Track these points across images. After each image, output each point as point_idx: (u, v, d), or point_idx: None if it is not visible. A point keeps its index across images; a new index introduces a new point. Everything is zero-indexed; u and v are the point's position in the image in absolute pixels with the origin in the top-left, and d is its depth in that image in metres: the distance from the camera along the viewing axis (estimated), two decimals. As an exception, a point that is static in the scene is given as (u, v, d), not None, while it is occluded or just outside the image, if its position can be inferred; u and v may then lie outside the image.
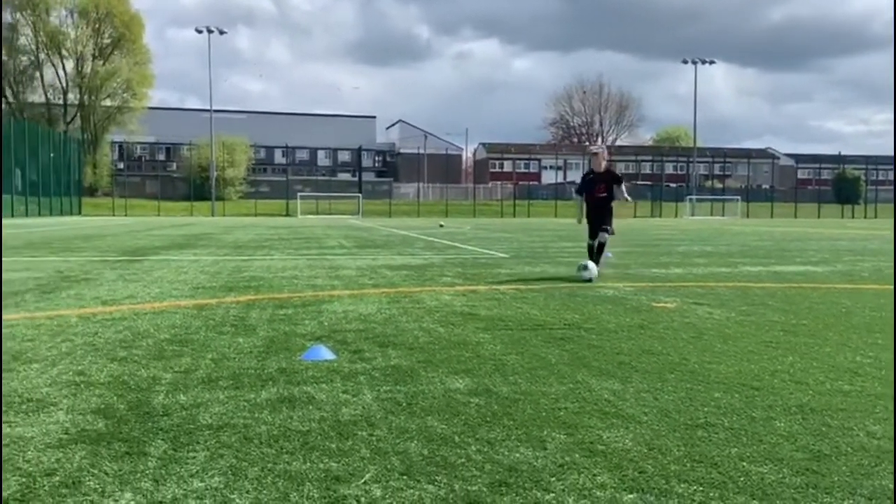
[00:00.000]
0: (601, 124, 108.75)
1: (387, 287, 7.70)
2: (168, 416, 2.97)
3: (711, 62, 71.23)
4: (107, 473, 2.34)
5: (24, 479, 2.27)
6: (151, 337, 4.72)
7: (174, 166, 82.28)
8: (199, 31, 60.71)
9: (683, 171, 79.17)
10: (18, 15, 63.82)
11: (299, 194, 63.83)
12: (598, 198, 8.89)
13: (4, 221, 35.29)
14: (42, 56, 65.59)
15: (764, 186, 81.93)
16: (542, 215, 61.73)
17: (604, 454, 2.58)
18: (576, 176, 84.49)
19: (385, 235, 21.11)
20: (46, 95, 66.60)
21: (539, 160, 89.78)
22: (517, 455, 2.56)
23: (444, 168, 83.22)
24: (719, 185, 78.21)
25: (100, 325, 5.14)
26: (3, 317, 5.43)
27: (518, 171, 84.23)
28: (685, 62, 69.57)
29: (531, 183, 78.77)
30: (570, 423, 2.94)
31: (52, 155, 51.76)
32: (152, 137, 79.72)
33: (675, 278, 8.86)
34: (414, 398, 3.28)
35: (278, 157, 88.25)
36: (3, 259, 11.04)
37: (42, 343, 4.48)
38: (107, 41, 66.92)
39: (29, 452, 2.52)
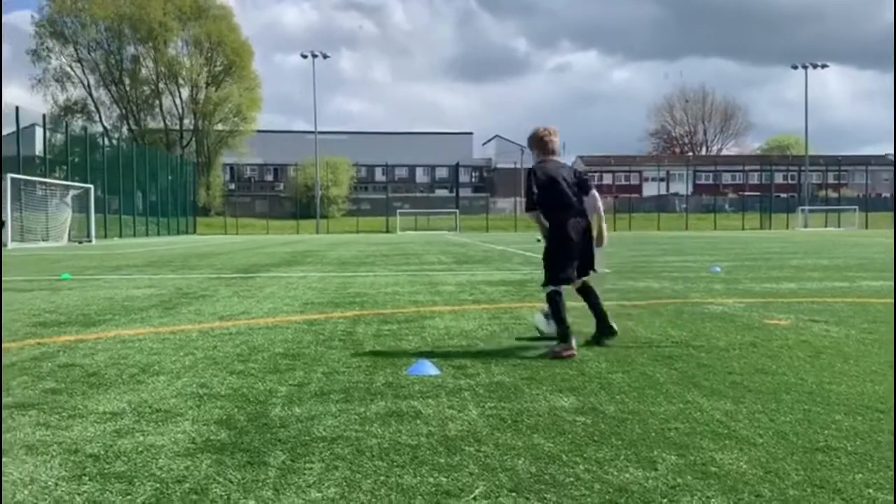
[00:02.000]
0: (705, 133, 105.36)
1: (487, 303, 7.75)
2: (285, 427, 3.11)
3: (824, 66, 67.74)
4: (231, 482, 2.48)
5: (157, 485, 2.44)
6: (266, 351, 4.95)
7: (281, 186, 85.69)
8: (304, 56, 63.25)
9: (794, 181, 75.37)
10: (141, 48, 68.43)
11: (398, 211, 65.08)
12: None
13: (128, 241, 37.75)
14: (161, 85, 70.03)
15: (884, 195, 76.89)
16: (643, 228, 60.31)
17: (717, 476, 2.51)
18: (679, 187, 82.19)
19: (483, 251, 21.20)
20: (165, 122, 71.03)
21: (640, 172, 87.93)
22: (627, 475, 2.53)
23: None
24: (834, 195, 73.99)
25: (218, 340, 5.43)
26: (133, 331, 5.83)
27: (618, 183, 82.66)
28: (795, 67, 66.53)
29: (632, 196, 77.11)
30: (680, 443, 2.88)
31: (169, 177, 55.07)
32: (261, 159, 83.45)
33: (787, 293, 8.47)
34: (519, 415, 3.29)
35: (378, 175, 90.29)
36: (130, 276, 11.84)
37: (167, 356, 4.78)
38: (219, 69, 70.75)
39: (161, 460, 2.70)
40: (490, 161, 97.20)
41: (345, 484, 2.45)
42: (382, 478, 2.51)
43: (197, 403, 3.53)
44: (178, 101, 71.33)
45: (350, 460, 2.69)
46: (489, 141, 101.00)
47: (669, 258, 16.42)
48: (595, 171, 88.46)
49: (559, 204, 4.90)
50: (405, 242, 30.95)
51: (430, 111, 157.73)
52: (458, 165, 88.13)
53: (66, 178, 38.55)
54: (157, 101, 70.62)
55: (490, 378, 4.05)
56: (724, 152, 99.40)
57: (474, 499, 2.32)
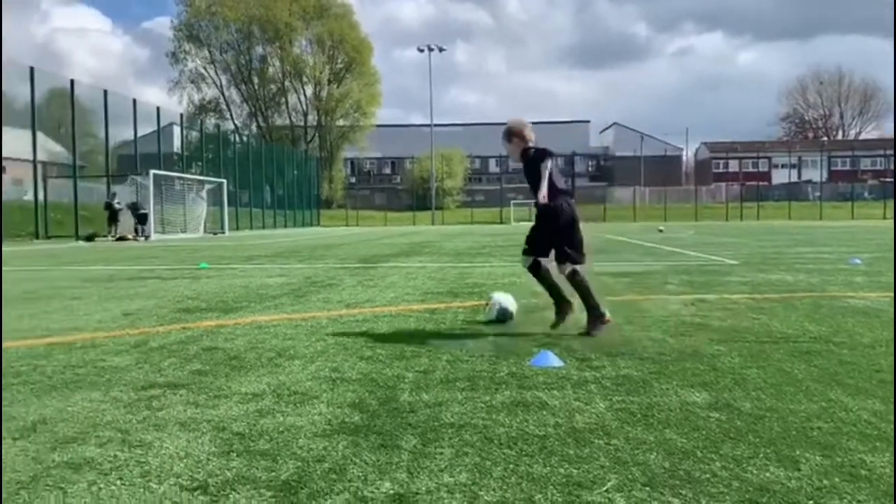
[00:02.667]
0: (841, 117, 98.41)
1: (608, 294, 7.58)
2: (414, 412, 3.19)
3: (983, 37, 61.51)
4: (367, 463, 2.57)
5: (299, 464, 2.57)
6: (392, 339, 5.08)
7: (398, 179, 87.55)
8: (421, 50, 64.18)
9: (946, 165, 69.00)
10: (268, 48, 71.75)
11: (513, 201, 64.91)
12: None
13: (258, 232, 39.76)
14: (287, 83, 73.16)
15: None
16: (773, 218, 57.21)
17: (868, 480, 2.36)
18: (812, 174, 77.20)
19: (601, 241, 20.80)
20: (290, 118, 74.20)
21: (769, 158, 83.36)
22: (767, 474, 2.42)
23: (662, 170, 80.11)
24: None
25: (346, 327, 5.63)
26: (268, 318, 6.15)
27: (745, 170, 78.78)
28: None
29: (760, 183, 73.24)
30: (825, 443, 2.72)
31: (295, 172, 57.50)
32: (379, 153, 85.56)
33: (942, 288, 7.79)
34: (649, 409, 3.22)
35: (492, 167, 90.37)
36: (262, 265, 12.48)
37: (300, 341, 5.01)
38: (340, 66, 73.13)
39: (300, 440, 2.84)
40: (607, 149, 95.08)
41: (475, 470, 2.49)
42: (512, 466, 2.52)
43: (330, 387, 3.68)
44: (302, 98, 74.37)
45: (479, 447, 2.72)
46: (607, 129, 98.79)
47: (802, 249, 15.50)
48: (720, 158, 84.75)
49: (555, 189, 5.10)
50: (520, 233, 30.75)
51: (545, 100, 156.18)
52: (574, 154, 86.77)
53: (201, 174, 41.07)
54: (283, 99, 73.92)
55: (616, 371, 3.99)
56: (864, 136, 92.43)
57: (607, 491, 2.30)
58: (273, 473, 2.48)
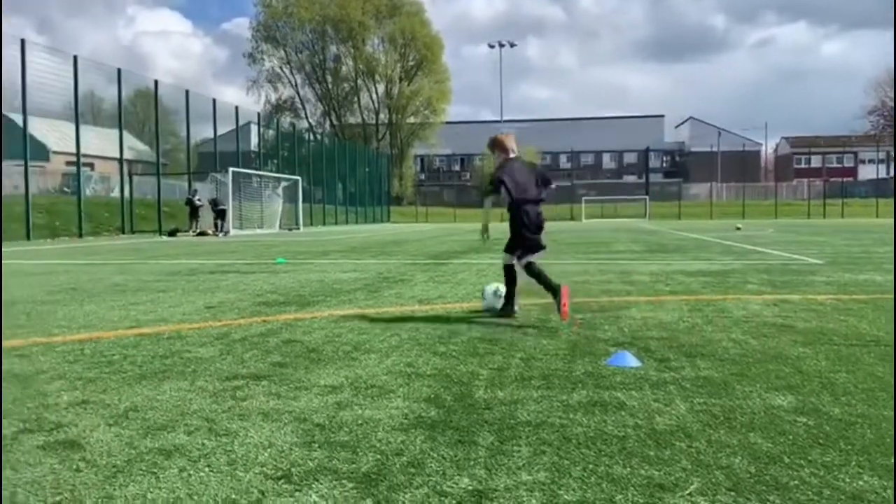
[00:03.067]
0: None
1: (685, 294, 7.43)
2: (490, 409, 3.20)
3: None
4: (444, 458, 2.59)
5: (378, 457, 2.61)
6: (464, 334, 5.10)
7: (468, 176, 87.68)
8: (492, 46, 64.04)
9: None
10: (342, 47, 72.98)
11: (584, 198, 64.10)
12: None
13: (330, 228, 40.52)
14: (359, 82, 74.25)
15: None
16: (858, 216, 54.68)
17: (973, 494, 2.23)
18: (902, 170, 73.25)
19: (676, 239, 20.32)
20: (362, 116, 75.27)
21: (855, 153, 79.72)
22: (860, 483, 2.32)
23: (740, 166, 77.57)
24: None
25: (420, 322, 5.68)
26: (343, 312, 6.27)
27: (829, 166, 75.56)
28: None
29: (845, 179, 70.10)
30: (923, 454, 2.59)
31: (366, 169, 58.32)
32: (449, 150, 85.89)
33: None
34: (731, 412, 3.13)
35: (563, 163, 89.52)
36: (336, 261, 12.71)
37: (375, 336, 5.09)
38: (411, 63, 73.72)
39: (379, 433, 2.89)
40: (683, 145, 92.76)
41: (554, 469, 2.47)
42: (591, 466, 2.50)
43: (406, 381, 3.73)
44: (374, 96, 75.33)
45: (557, 446, 2.71)
46: (682, 123, 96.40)
47: (891, 248, 14.75)
48: (802, 153, 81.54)
49: (520, 192, 5.87)
50: (591, 230, 30.46)
51: (618, 95, 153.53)
52: (647, 150, 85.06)
53: (276, 171, 42.12)
54: (356, 98, 75.01)
55: (696, 372, 3.89)
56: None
57: (690, 495, 2.25)
58: (353, 465, 2.52)
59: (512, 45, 64.65)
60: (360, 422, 3.03)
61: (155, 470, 2.50)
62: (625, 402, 3.30)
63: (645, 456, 2.59)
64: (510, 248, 5.99)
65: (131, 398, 3.45)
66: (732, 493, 2.25)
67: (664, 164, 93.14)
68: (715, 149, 77.82)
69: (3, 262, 13.28)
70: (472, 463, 2.54)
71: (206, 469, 2.50)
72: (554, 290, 5.54)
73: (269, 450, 2.70)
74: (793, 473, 2.42)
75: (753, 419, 3.03)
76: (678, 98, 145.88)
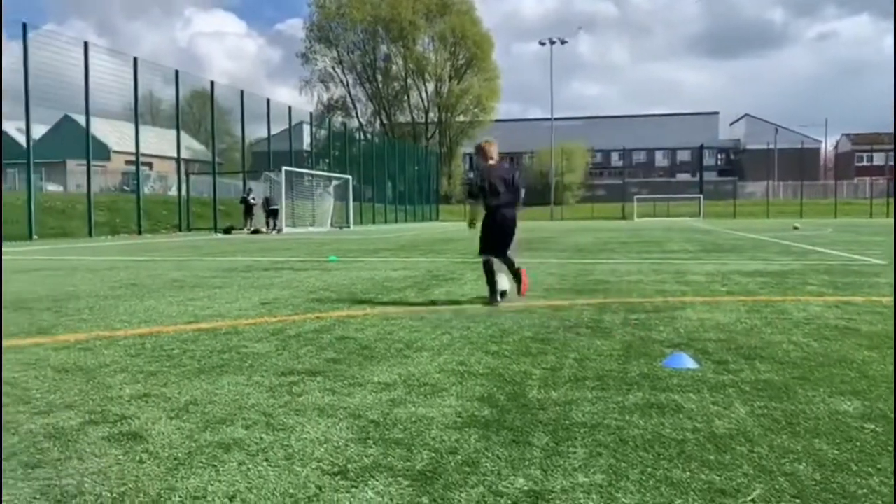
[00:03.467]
0: None
1: (743, 295, 7.25)
2: (544, 410, 3.17)
3: None
4: (499, 457, 2.58)
5: (433, 455, 2.61)
6: (516, 334, 5.08)
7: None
8: (542, 44, 63.57)
9: None
10: (392, 47, 73.44)
11: (636, 197, 63.22)
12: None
13: (380, 227, 40.84)
14: (409, 81, 74.61)
15: None
16: (924, 215, 52.53)
17: None
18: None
19: (732, 238, 19.87)
20: (412, 115, 75.62)
21: (921, 150, 76.58)
22: (935, 495, 2.23)
23: (798, 164, 75.42)
24: None
25: (471, 321, 5.68)
26: (394, 310, 6.30)
27: (892, 163, 72.82)
28: None
29: (910, 177, 67.42)
30: None
31: (416, 168, 58.58)
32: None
33: None
34: (794, 417, 3.04)
35: (615, 160, 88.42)
36: (386, 259, 12.80)
37: (426, 334, 5.10)
38: (461, 62, 73.75)
39: (433, 431, 2.89)
40: (738, 142, 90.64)
41: (611, 472, 2.44)
42: (650, 470, 2.46)
43: (459, 380, 3.73)
44: (423, 95, 75.61)
45: (613, 448, 2.67)
46: (738, 120, 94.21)
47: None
48: (864, 151, 78.86)
49: (493, 198, 6.71)
50: (644, 229, 29.99)
51: (671, 91, 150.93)
52: (702, 147, 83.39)
53: (328, 170, 42.64)
54: (406, 97, 75.41)
55: (756, 375, 3.79)
56: None
57: (752, 501, 2.19)
58: (409, 463, 2.53)
59: (563, 42, 64.04)
60: (413, 419, 3.04)
61: (215, 463, 2.55)
62: (682, 405, 3.24)
63: (704, 460, 2.53)
64: (481, 248, 6.96)
65: (191, 392, 3.53)
66: (797, 501, 2.19)
67: (718, 162, 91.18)
68: (771, 146, 75.75)
69: (65, 257, 13.76)
70: (527, 463, 2.52)
71: (265, 463, 2.54)
72: (516, 275, 6.80)
73: (325, 445, 2.72)
74: (861, 482, 2.33)
75: (818, 425, 2.94)
76: (733, 94, 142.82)
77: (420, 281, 8.81)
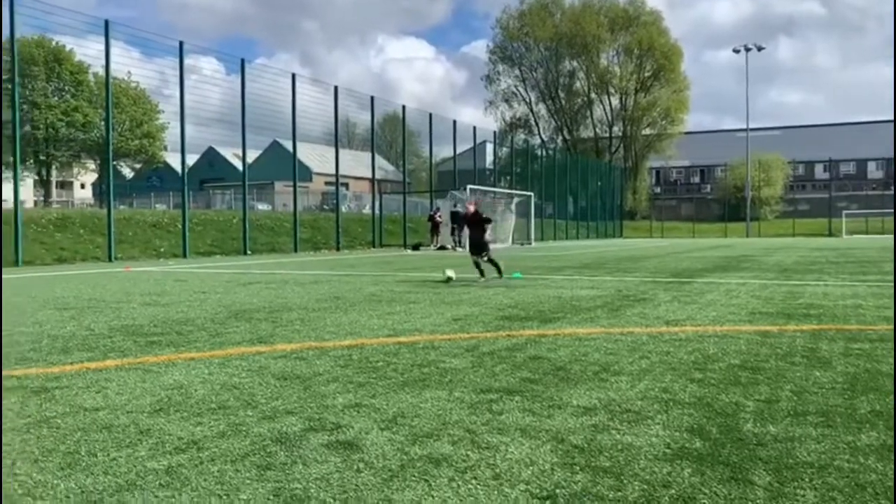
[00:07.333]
0: None
1: None
2: (762, 446, 2.95)
3: None
4: (717, 495, 2.43)
5: (644, 487, 2.51)
6: (721, 361, 4.79)
7: (708, 188, 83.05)
8: (737, 51, 60.23)
9: None
10: (575, 62, 73.05)
11: (844, 212, 57.77)
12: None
13: (561, 244, 40.52)
14: (592, 96, 73.72)
15: None
16: None
17: None
18: None
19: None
20: (595, 130, 74.54)
21: None
22: None
23: None
24: None
25: (669, 345, 5.44)
26: (585, 330, 6.20)
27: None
28: None
29: None
30: None
31: (598, 183, 57.58)
32: (687, 161, 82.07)
33: None
34: None
35: (819, 173, 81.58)
36: (570, 277, 12.65)
37: (622, 357, 4.95)
38: (647, 74, 71.67)
39: (641, 461, 2.78)
40: (971, 150, 79.84)
41: (850, 521, 2.21)
42: (897, 523, 2.19)
43: (663, 408, 3.57)
44: (607, 109, 74.28)
45: (849, 494, 2.42)
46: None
47: None
48: None
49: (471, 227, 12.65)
50: (856, 247, 27.25)
51: (884, 96, 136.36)
52: (924, 157, 74.40)
53: (509, 187, 43.08)
54: (589, 111, 74.52)
55: None
56: None
57: None
58: (619, 493, 2.45)
59: (759, 49, 60.16)
60: (619, 447, 2.95)
61: (426, 477, 2.62)
62: (929, 451, 2.86)
63: (967, 518, 2.22)
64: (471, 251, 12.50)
65: (397, 404, 3.68)
66: None
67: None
68: None
69: (275, 271, 15.00)
70: (749, 503, 2.35)
71: (473, 481, 2.58)
72: (498, 269, 11.86)
73: (530, 468, 2.71)
74: None
75: None
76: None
77: (610, 301, 8.60)
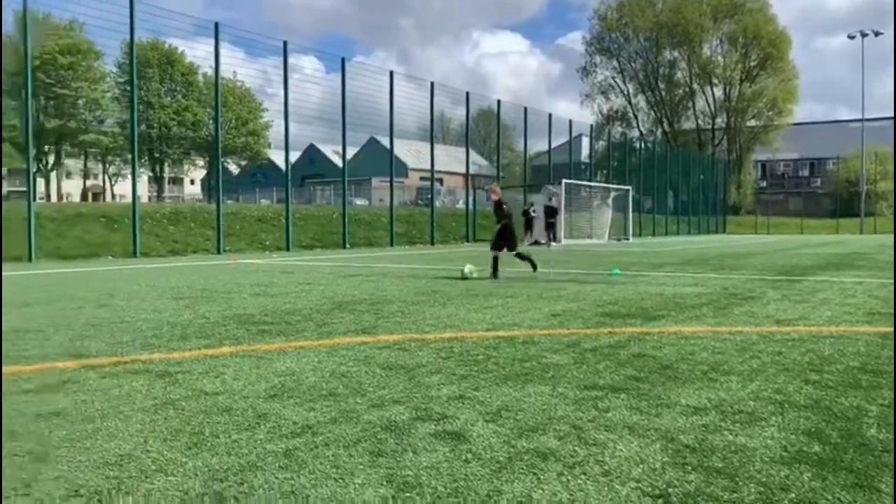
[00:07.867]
0: None
1: None
2: (889, 453, 2.80)
3: None
4: (841, 501, 2.33)
5: (761, 489, 2.44)
6: (839, 363, 4.56)
7: (818, 182, 78.76)
8: (851, 37, 56.81)
9: None
10: (676, 52, 70.80)
11: (974, 207, 53.33)
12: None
13: (660, 239, 39.47)
14: (694, 86, 71.26)
15: None
16: None
17: None
18: None
19: None
20: (697, 122, 72.07)
21: None
22: None
23: None
24: None
25: (781, 345, 5.22)
26: (691, 329, 6.03)
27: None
28: None
29: None
30: None
31: (700, 177, 55.69)
32: (795, 153, 78.07)
33: None
34: None
35: (945, 165, 75.62)
36: (672, 273, 12.31)
37: (732, 357, 4.79)
38: (753, 63, 68.62)
39: (756, 463, 2.70)
40: None
41: None
42: None
43: (778, 410, 3.44)
44: (710, 100, 71.65)
45: None
46: None
47: None
48: None
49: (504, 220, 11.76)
50: None
51: None
52: None
53: (606, 181, 42.31)
54: (690, 103, 72.12)
55: None
56: None
57: None
58: (735, 495, 2.39)
59: (877, 34, 56.43)
60: (732, 448, 2.87)
61: (535, 471, 2.64)
62: None
63: None
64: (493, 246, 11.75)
65: (501, 398, 3.71)
66: None
67: None
68: None
69: (373, 265, 15.33)
70: (877, 513, 2.24)
71: (583, 476, 2.58)
72: (532, 265, 11.87)
73: (640, 465, 2.68)
74: None
75: None
76: None
77: (715, 299, 8.33)
